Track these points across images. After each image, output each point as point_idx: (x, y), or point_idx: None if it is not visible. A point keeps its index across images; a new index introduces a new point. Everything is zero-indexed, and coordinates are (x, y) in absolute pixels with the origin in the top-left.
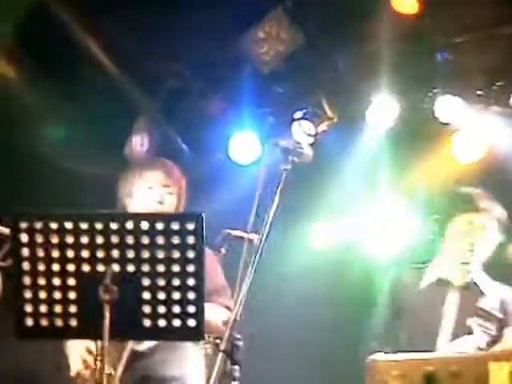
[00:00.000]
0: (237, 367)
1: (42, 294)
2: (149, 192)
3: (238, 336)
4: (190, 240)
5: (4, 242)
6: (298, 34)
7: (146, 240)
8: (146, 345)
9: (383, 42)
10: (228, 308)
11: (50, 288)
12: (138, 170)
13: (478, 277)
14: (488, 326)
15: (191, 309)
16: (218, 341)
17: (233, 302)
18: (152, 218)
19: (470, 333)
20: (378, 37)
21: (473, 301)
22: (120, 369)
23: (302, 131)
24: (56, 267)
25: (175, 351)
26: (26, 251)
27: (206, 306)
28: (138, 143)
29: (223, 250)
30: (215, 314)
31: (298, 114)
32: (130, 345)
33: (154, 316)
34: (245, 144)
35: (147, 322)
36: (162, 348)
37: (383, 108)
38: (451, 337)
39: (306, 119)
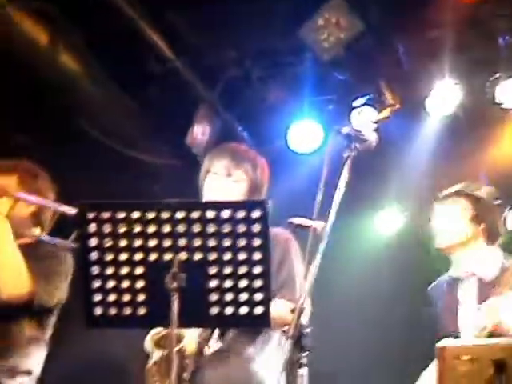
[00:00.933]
0: (304, 354)
1: (110, 284)
2: (214, 180)
3: (305, 323)
4: (256, 228)
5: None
6: (357, 20)
7: (212, 228)
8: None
9: (444, 28)
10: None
11: (117, 277)
12: (208, 159)
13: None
14: None
15: (258, 296)
16: (285, 328)
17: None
18: (218, 206)
19: None
20: (439, 22)
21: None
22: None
23: (364, 118)
24: (124, 256)
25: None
26: (93, 241)
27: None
28: (200, 132)
29: None
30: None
31: (359, 102)
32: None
33: (221, 304)
34: (305, 132)
35: (214, 310)
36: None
37: (444, 94)
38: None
39: (368, 106)
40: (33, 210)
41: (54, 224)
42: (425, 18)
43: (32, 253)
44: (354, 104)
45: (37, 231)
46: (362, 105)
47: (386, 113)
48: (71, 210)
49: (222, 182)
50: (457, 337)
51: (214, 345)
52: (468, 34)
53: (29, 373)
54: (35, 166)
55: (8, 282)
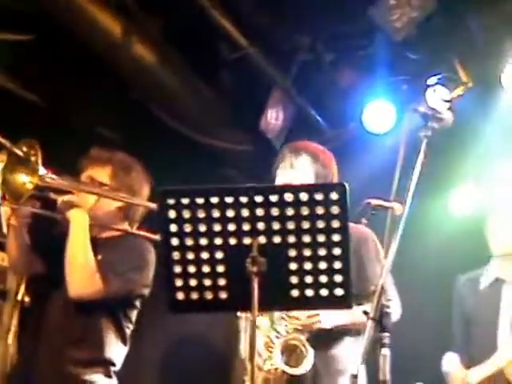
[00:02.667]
0: (387, 334)
1: (191, 268)
2: (281, 174)
3: (387, 303)
4: (335, 210)
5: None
6: None
7: (290, 211)
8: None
9: None
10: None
11: (198, 262)
12: (276, 163)
13: None
14: None
15: (338, 278)
16: (367, 309)
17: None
18: (296, 189)
19: None
20: None
21: None
22: None
23: (438, 97)
24: (204, 241)
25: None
26: (173, 227)
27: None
28: (273, 117)
29: (364, 220)
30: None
31: (433, 80)
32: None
33: (302, 286)
34: (379, 113)
35: (295, 292)
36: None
37: None
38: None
39: (441, 85)
40: (120, 205)
41: (144, 218)
42: None
43: (118, 246)
44: (428, 83)
45: (125, 225)
46: (435, 84)
47: (460, 91)
48: (151, 205)
49: (287, 173)
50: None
51: None
52: None
53: (106, 364)
54: (130, 158)
55: (77, 281)
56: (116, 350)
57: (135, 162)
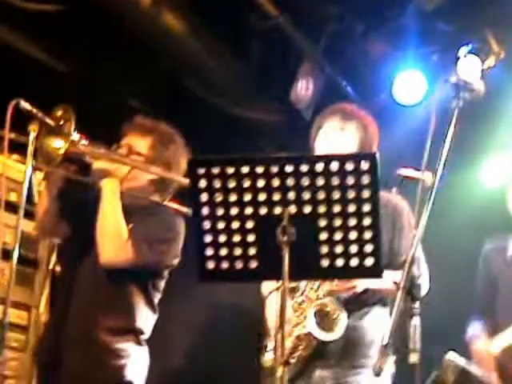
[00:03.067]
0: (417, 304)
1: (222, 238)
2: (329, 134)
3: (417, 273)
4: (365, 180)
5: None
6: None
7: (321, 181)
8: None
9: None
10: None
11: (229, 231)
12: (320, 116)
13: None
14: None
15: (368, 248)
16: (397, 279)
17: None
18: (326, 159)
19: None
20: None
21: None
22: None
23: (469, 68)
24: (234, 211)
25: None
26: (204, 196)
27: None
28: (303, 88)
29: (395, 190)
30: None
31: (464, 51)
32: None
33: (332, 256)
34: (410, 84)
35: (325, 262)
36: None
37: None
38: None
39: (472, 55)
40: (153, 177)
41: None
42: None
43: (149, 216)
44: (459, 54)
45: (156, 197)
46: (467, 54)
47: (492, 61)
48: (184, 180)
49: (336, 135)
50: None
51: None
52: None
53: (136, 332)
54: (172, 130)
55: (108, 248)
56: (145, 319)
57: (177, 135)
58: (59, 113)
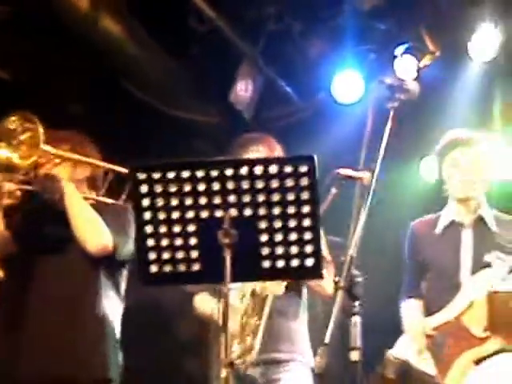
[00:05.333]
0: (357, 303)
1: (164, 242)
2: None
3: (357, 272)
4: (304, 181)
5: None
6: None
7: (260, 184)
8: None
9: None
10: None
11: (171, 235)
12: (238, 151)
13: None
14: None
15: (308, 249)
16: (337, 279)
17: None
18: (265, 162)
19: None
20: None
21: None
22: None
23: (405, 67)
24: (176, 215)
25: None
26: (146, 201)
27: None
28: (243, 89)
29: (334, 190)
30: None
31: (400, 50)
32: None
33: (273, 257)
34: (348, 83)
35: (266, 264)
36: None
37: (485, 39)
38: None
39: (408, 54)
40: (88, 175)
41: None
42: None
43: (100, 210)
44: (395, 53)
45: (92, 194)
46: (403, 53)
47: (427, 60)
48: (123, 170)
49: None
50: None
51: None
52: None
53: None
54: (84, 136)
55: (94, 234)
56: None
57: (89, 140)
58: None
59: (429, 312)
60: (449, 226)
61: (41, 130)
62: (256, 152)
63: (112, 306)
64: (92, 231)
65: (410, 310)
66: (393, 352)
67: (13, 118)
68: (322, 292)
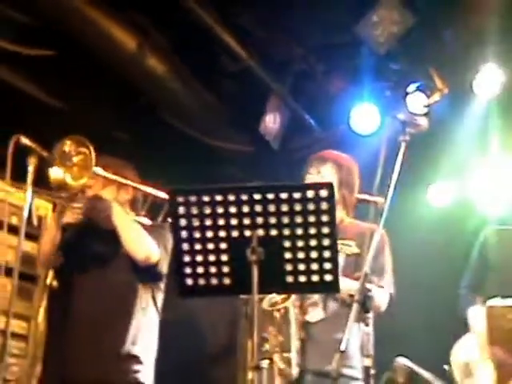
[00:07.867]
0: (369, 315)
1: (199, 257)
2: (309, 179)
3: (369, 287)
4: (324, 205)
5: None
6: (408, 14)
7: (285, 207)
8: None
9: (488, 14)
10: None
11: (205, 252)
12: (304, 172)
13: None
14: None
15: (327, 265)
16: (352, 292)
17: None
18: (290, 188)
19: None
20: (483, 8)
21: None
22: None
23: (416, 103)
24: (209, 234)
25: None
26: (183, 221)
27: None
28: (271, 121)
29: None
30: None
31: (412, 87)
32: None
33: (296, 273)
34: (365, 116)
35: (290, 278)
36: None
37: (489, 77)
38: None
39: (419, 91)
40: (129, 197)
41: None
42: (469, 3)
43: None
44: (408, 90)
45: (133, 215)
46: (414, 91)
47: (436, 97)
48: (162, 193)
49: (315, 179)
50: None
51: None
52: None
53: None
54: (125, 161)
55: (143, 245)
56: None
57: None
58: (70, 144)
59: None
60: None
61: (93, 153)
62: (315, 169)
63: (149, 316)
64: (140, 242)
65: (478, 317)
66: (401, 359)
67: (68, 142)
68: (376, 310)
